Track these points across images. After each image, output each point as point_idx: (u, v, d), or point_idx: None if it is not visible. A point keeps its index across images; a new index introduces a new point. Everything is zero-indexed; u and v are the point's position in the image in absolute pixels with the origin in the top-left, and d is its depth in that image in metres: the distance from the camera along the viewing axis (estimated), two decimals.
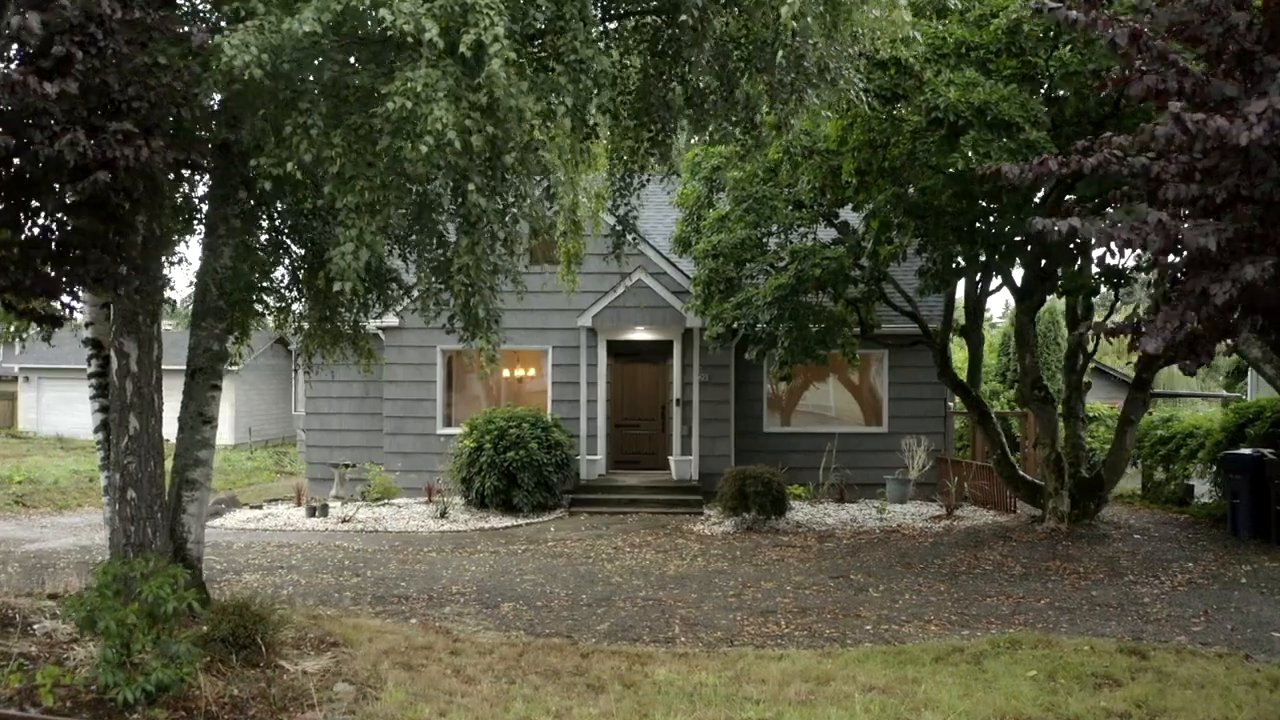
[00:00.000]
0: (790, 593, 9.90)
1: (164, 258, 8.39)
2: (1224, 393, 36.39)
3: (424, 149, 4.60)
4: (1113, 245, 4.10)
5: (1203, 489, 16.56)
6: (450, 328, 5.84)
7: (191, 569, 8.41)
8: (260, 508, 16.72)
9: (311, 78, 5.03)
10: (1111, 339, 4.57)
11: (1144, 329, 4.06)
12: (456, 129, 4.54)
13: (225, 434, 30.75)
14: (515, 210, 5.30)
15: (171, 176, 8.75)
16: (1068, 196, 11.75)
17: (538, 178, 5.19)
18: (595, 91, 5.06)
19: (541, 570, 10.98)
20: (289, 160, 4.96)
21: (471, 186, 4.90)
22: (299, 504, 16.31)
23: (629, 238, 7.91)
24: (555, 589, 10.00)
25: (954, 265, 11.47)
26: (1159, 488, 17.44)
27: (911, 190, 10.90)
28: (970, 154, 9.17)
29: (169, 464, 8.55)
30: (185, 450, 8.56)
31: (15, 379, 33.44)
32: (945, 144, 9.75)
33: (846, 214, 14.96)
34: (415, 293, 5.56)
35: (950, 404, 18.46)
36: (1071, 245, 11.33)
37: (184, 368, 8.71)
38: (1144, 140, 4.13)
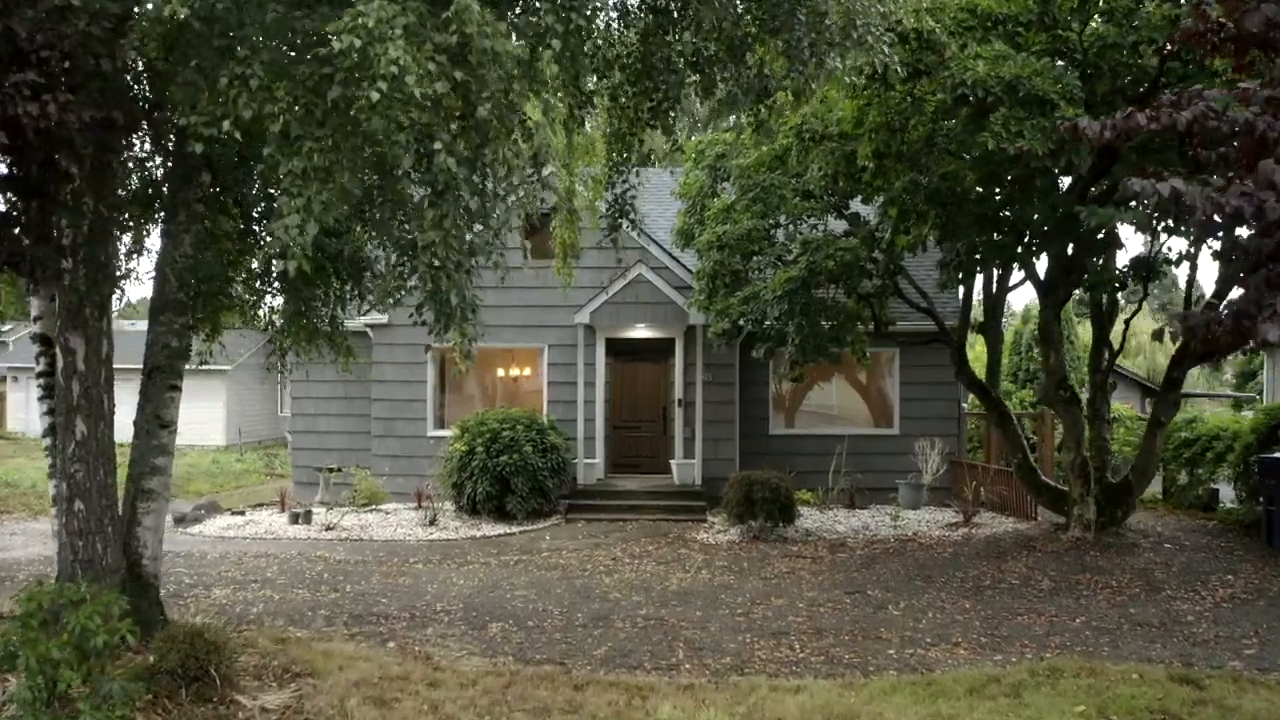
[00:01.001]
0: (803, 610, 9.13)
1: (116, 244, 7.66)
2: (1234, 393, 35.63)
3: (375, 96, 3.83)
4: (1219, 213, 3.33)
5: (1228, 493, 15.82)
6: (418, 318, 5.09)
7: (147, 588, 7.66)
8: (242, 513, 15.96)
9: (251, 21, 4.25)
10: (1210, 332, 3.81)
11: (1263, 316, 3.31)
12: (416, 74, 3.77)
13: (216, 435, 30.08)
14: (493, 177, 4.51)
15: (126, 157, 8.05)
16: (1090, 190, 11.02)
17: (520, 140, 4.43)
18: (588, 35, 4.29)
19: (534, 584, 10.21)
20: (225, 118, 4.18)
21: (437, 146, 4.11)
22: (283, 509, 15.55)
23: (627, 220, 7.14)
24: (549, 606, 9.23)
25: (978, 256, 10.67)
26: (1183, 492, 16.67)
27: (929, 177, 10.12)
28: (1001, 132, 8.39)
29: (132, 472, 7.82)
30: (141, 457, 7.80)
31: (4, 379, 32.63)
32: (972, 123, 8.98)
33: (857, 206, 14.23)
34: (384, 280, 4.81)
35: (964, 404, 17.70)
36: (1101, 234, 10.57)
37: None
38: (1259, 87, 3.38)
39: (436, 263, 4.28)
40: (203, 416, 30.19)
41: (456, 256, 4.32)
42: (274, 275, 8.80)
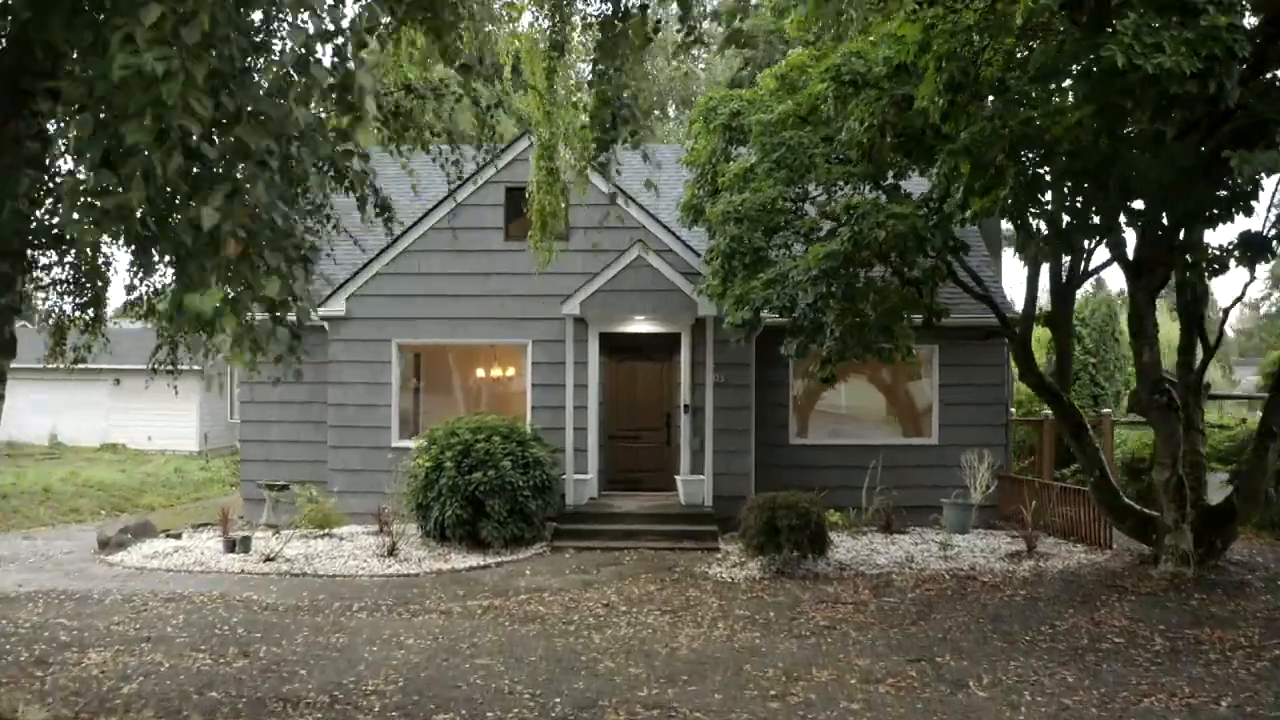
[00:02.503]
0: (858, 690, 6.86)
1: None
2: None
3: None
4: None
5: None
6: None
7: None
8: (178, 536, 13.73)
9: None
10: None
11: None
12: None
13: (189, 441, 27.94)
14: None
15: None
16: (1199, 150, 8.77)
17: None
18: None
19: (503, 647, 7.93)
20: None
21: None
22: (225, 532, 13.27)
23: (625, 141, 4.93)
24: (517, 685, 6.95)
25: (1083, 223, 8.36)
26: (1267, 511, 14.38)
27: (1014, 121, 7.84)
28: (1133, 45, 6.14)
29: None
30: None
31: None
32: (1087, 39, 6.74)
33: (891, 180, 11.94)
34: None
35: (1011, 410, 15.45)
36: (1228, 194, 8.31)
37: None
38: None
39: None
40: (175, 421, 28.04)
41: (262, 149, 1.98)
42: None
